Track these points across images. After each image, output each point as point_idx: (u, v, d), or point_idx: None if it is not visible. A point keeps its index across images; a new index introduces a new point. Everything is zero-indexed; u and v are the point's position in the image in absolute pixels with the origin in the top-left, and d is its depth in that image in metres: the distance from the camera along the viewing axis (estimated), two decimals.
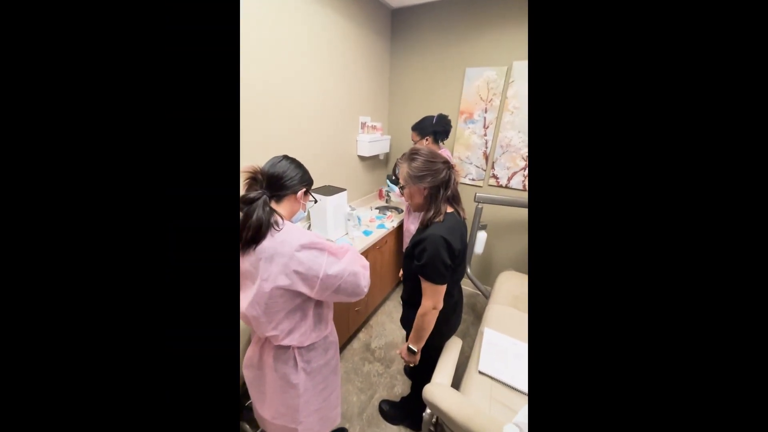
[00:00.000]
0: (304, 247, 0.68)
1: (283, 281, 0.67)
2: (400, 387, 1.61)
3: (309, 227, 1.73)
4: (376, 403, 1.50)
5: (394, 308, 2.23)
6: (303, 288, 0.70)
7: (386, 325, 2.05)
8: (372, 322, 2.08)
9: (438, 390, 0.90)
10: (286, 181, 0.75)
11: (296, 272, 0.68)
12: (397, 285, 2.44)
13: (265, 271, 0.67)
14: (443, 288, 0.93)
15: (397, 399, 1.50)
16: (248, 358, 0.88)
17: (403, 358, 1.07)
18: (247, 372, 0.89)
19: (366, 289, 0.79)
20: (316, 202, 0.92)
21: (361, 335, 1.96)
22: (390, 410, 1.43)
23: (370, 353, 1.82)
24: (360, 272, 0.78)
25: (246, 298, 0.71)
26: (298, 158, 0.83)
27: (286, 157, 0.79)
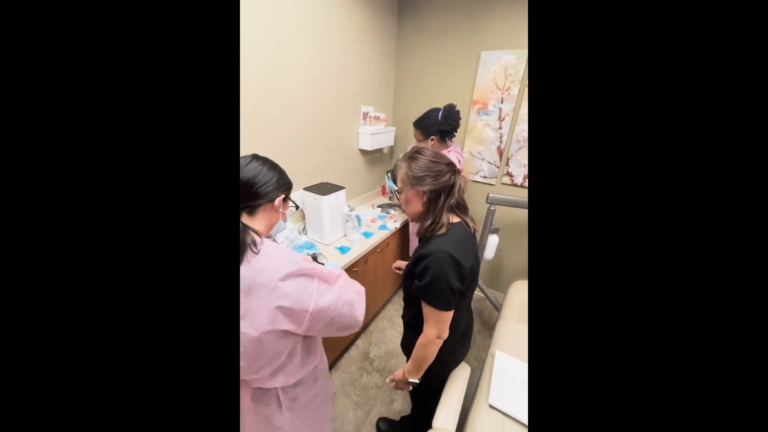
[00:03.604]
0: (291, 275, 0.55)
1: (264, 320, 0.54)
2: (400, 403, 1.50)
3: (304, 228, 1.59)
4: (374, 421, 1.40)
5: (395, 312, 2.10)
6: (287, 325, 0.56)
7: (387, 332, 1.93)
8: (372, 327, 1.96)
9: None
10: (259, 187, 0.61)
11: (280, 308, 0.53)
12: (399, 288, 2.32)
13: (242, 308, 0.53)
14: (449, 315, 0.78)
15: (396, 417, 1.39)
16: None
17: (397, 387, 0.93)
18: None
19: (362, 320, 0.67)
20: (297, 208, 0.77)
21: (360, 342, 1.84)
22: (388, 430, 1.33)
23: (369, 362, 1.71)
24: (356, 301, 0.65)
25: None
26: (289, 153, 0.68)
27: (256, 156, 0.65)
